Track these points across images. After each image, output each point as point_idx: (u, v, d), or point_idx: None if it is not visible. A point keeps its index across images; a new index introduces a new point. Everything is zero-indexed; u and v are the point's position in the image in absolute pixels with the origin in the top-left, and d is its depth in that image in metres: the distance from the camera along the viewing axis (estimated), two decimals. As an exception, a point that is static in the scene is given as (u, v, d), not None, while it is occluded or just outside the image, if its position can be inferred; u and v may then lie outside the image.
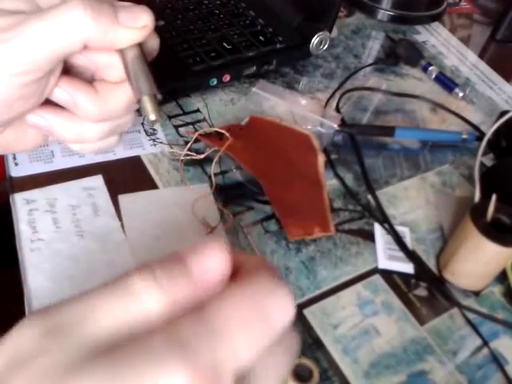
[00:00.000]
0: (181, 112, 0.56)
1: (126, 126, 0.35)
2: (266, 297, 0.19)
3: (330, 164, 0.54)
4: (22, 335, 0.18)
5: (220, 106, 0.57)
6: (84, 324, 0.18)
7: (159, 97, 0.32)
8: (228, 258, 0.20)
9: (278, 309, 0.19)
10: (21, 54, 0.26)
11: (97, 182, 0.47)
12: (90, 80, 0.32)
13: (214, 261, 0.20)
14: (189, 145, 0.51)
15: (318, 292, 0.44)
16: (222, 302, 0.18)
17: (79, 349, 0.17)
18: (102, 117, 0.30)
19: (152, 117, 0.31)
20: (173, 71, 0.55)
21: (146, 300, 0.18)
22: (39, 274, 0.40)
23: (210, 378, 0.17)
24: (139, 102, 0.30)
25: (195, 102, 0.57)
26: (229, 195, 0.49)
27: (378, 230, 0.49)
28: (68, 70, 0.31)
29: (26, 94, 0.27)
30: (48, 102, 0.31)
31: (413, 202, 0.53)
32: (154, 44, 0.34)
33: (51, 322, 0.18)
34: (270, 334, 0.19)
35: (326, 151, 0.55)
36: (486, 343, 0.43)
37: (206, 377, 0.16)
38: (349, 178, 0.54)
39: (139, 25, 0.28)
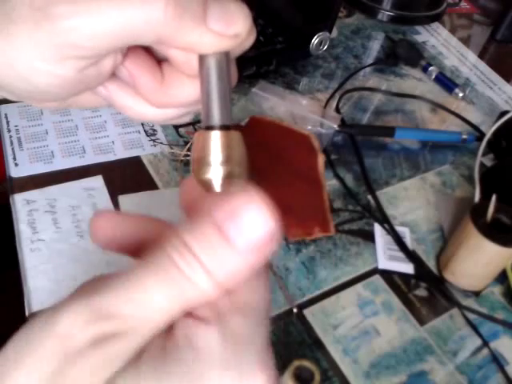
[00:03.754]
0: (181, 112, 0.56)
1: (190, 116, 0.31)
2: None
3: (329, 164, 0.54)
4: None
5: (220, 107, 0.57)
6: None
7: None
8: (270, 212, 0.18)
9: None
10: (78, 39, 0.22)
11: (97, 182, 0.47)
12: (161, 58, 0.27)
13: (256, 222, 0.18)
14: (189, 145, 0.51)
15: (318, 292, 0.44)
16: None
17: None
18: (163, 105, 0.27)
19: (218, 169, 0.21)
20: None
21: (198, 283, 0.18)
22: (39, 274, 0.40)
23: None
24: (206, 128, 0.23)
25: (195, 102, 0.57)
26: (229, 195, 0.49)
27: (377, 230, 0.49)
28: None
29: (84, 78, 0.24)
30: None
31: (413, 203, 0.53)
32: (246, 44, 0.26)
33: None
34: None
35: (325, 151, 0.55)
36: (486, 343, 0.43)
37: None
38: (349, 179, 0.54)
39: (230, 32, 0.23)
